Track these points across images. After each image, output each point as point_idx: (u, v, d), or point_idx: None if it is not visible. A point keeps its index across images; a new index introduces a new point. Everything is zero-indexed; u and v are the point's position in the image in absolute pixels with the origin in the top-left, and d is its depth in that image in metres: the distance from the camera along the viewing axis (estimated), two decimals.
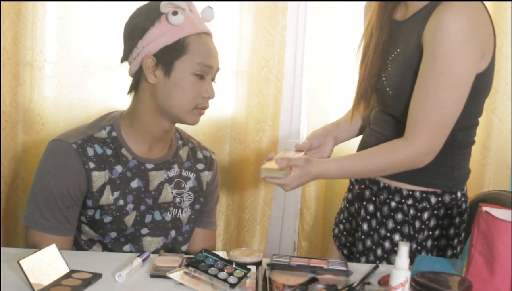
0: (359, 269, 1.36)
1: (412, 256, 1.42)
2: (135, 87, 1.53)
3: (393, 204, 1.52)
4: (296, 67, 2.33)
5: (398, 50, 1.47)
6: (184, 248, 1.62)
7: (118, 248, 1.52)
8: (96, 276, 1.26)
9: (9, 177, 2.28)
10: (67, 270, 1.26)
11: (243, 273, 1.27)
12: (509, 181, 2.38)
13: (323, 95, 2.32)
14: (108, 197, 1.48)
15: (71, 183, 1.45)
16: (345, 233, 1.68)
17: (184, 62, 1.46)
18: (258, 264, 1.36)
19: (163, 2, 1.44)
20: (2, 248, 1.36)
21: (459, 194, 1.53)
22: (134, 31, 1.48)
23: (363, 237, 1.56)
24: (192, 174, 1.63)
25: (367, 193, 1.57)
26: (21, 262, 1.18)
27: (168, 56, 1.45)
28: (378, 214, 1.54)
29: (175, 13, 1.43)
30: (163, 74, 1.46)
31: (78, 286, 1.21)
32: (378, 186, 1.54)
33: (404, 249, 1.09)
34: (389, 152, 1.43)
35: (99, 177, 1.47)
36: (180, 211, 1.59)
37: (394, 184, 1.52)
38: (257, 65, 2.27)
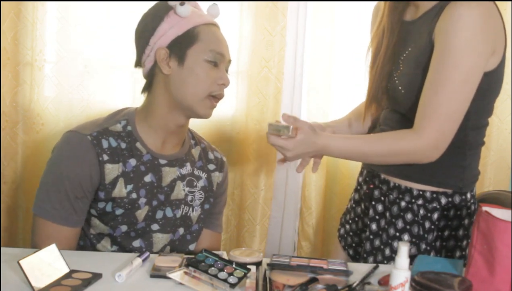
0: (359, 269, 1.36)
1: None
2: (149, 86, 1.56)
3: (403, 203, 1.51)
4: (296, 67, 2.33)
5: (409, 49, 1.48)
6: (192, 246, 1.63)
7: (128, 243, 1.52)
8: (96, 276, 1.26)
9: (9, 177, 2.28)
10: (67, 270, 1.26)
11: (243, 273, 1.27)
12: (509, 181, 2.38)
13: (323, 95, 2.32)
14: (121, 190, 1.49)
15: (83, 174, 1.46)
16: (351, 233, 1.67)
17: (196, 50, 1.49)
18: (258, 264, 1.36)
19: None
20: (2, 248, 1.36)
21: (468, 195, 1.53)
22: (145, 31, 1.51)
23: (371, 237, 1.56)
24: (204, 173, 1.64)
25: (376, 192, 1.57)
26: (21, 262, 1.18)
27: (180, 46, 1.49)
28: (388, 214, 1.53)
29: (182, 3, 1.47)
30: (177, 64, 1.49)
31: (78, 286, 1.21)
32: (388, 186, 1.54)
33: (404, 249, 1.09)
34: (397, 138, 1.44)
35: (112, 170, 1.48)
36: (191, 209, 1.60)
37: (405, 183, 1.52)
38: (257, 65, 2.27)
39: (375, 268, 1.36)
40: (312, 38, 2.31)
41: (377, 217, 1.56)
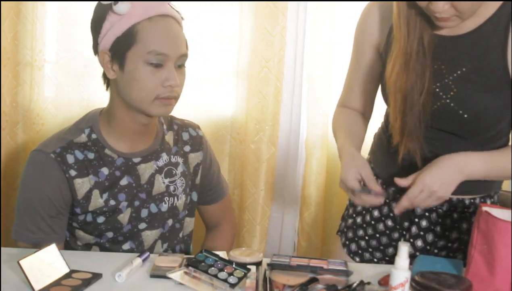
0: (359, 269, 1.36)
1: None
2: (108, 81, 1.48)
3: (455, 215, 1.48)
4: (296, 67, 2.33)
5: (463, 69, 1.36)
6: (181, 234, 1.59)
7: (117, 247, 1.50)
8: (96, 276, 1.26)
9: (9, 177, 2.28)
10: (67, 270, 1.26)
11: (243, 273, 1.27)
12: (509, 181, 2.37)
13: (323, 95, 2.32)
14: (96, 201, 1.44)
15: (52, 193, 1.41)
16: (370, 249, 1.59)
17: (134, 52, 1.37)
18: (258, 264, 1.36)
19: None
20: (2, 248, 1.36)
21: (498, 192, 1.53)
22: (93, 26, 1.44)
23: (417, 253, 1.50)
24: (180, 158, 1.57)
25: (419, 210, 1.51)
26: (21, 262, 1.18)
27: (120, 49, 1.38)
28: (438, 228, 1.49)
29: (116, 2, 1.35)
30: (118, 68, 1.40)
31: (78, 286, 1.21)
32: None
33: (404, 249, 1.09)
34: None
35: (82, 184, 1.43)
36: (176, 198, 1.55)
37: (456, 196, 1.48)
38: (257, 65, 2.27)
39: None
40: (312, 38, 2.31)
41: (421, 233, 1.51)
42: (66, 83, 2.25)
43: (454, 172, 1.33)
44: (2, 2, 2.14)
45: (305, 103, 2.36)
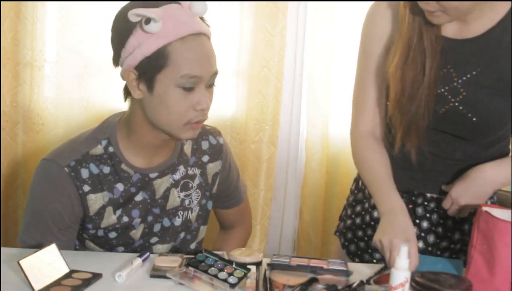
0: (359, 269, 1.36)
1: None
2: (129, 94, 1.39)
3: (457, 216, 1.47)
4: (296, 67, 2.33)
5: (473, 72, 1.35)
6: (192, 245, 1.55)
7: None
8: (96, 276, 1.25)
9: (9, 177, 2.28)
10: (67, 270, 1.26)
11: (243, 273, 1.27)
12: None
13: (323, 95, 2.32)
14: (109, 218, 1.39)
15: (63, 207, 1.36)
16: (369, 250, 1.57)
17: (166, 75, 1.28)
18: (258, 264, 1.35)
19: (130, 11, 1.25)
20: (2, 248, 1.36)
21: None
22: (116, 38, 1.33)
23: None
24: (198, 169, 1.51)
25: (420, 210, 1.50)
26: (21, 262, 1.18)
27: (149, 69, 1.28)
28: (440, 229, 1.49)
29: (147, 21, 1.25)
30: (146, 89, 1.30)
31: (78, 286, 1.21)
32: (438, 203, 1.48)
33: (404, 249, 1.09)
34: None
35: (95, 200, 1.37)
36: (190, 211, 1.50)
37: None
38: (257, 65, 2.27)
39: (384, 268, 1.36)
40: (312, 38, 2.31)
41: (423, 234, 1.50)
42: (66, 83, 2.25)
43: (484, 185, 1.36)
44: (2, 2, 2.14)
45: (305, 103, 2.36)
